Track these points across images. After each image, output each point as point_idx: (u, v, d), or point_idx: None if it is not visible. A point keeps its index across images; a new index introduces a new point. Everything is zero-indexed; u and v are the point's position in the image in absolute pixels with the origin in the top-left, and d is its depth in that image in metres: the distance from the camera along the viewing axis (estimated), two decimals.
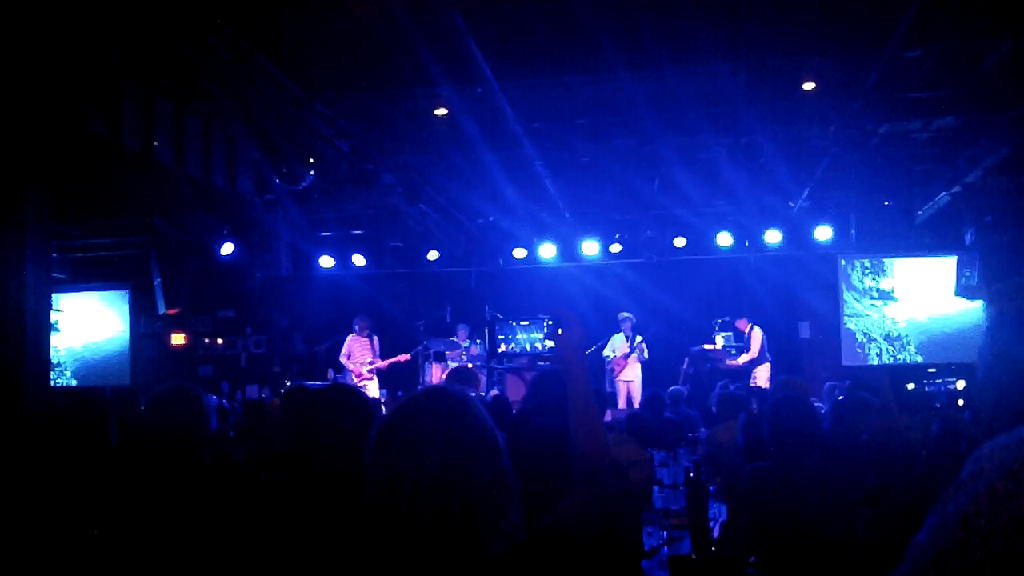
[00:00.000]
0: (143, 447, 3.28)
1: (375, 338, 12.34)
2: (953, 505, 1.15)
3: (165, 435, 3.18)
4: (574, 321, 2.13)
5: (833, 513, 3.24)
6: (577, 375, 2.07)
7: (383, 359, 12.29)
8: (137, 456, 3.64)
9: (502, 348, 11.06)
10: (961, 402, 1.77)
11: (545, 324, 2.38)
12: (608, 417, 9.19)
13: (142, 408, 3.39)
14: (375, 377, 12.17)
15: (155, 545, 2.88)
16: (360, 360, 12.15)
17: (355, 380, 11.78)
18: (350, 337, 12.33)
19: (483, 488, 1.64)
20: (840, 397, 6.66)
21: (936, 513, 1.18)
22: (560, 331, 2.12)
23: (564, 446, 2.00)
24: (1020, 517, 1.08)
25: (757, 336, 12.42)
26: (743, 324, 12.64)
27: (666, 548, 4.21)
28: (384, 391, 12.03)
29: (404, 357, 12.29)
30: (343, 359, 12.27)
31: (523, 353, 11.14)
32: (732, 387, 9.36)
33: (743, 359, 12.36)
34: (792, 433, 3.61)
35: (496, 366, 12.34)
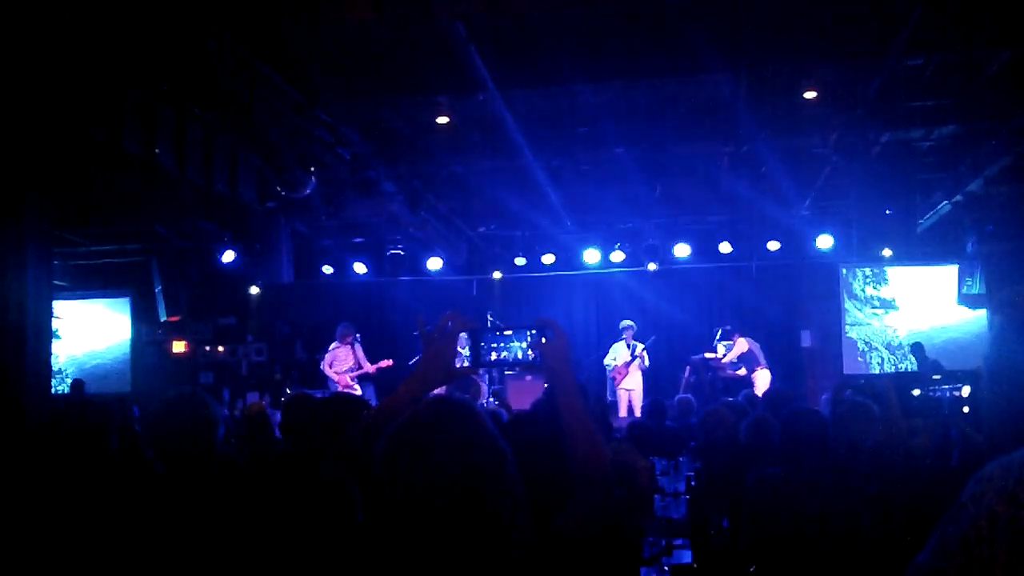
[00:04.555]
0: (149, 453, 3.26)
1: (358, 346, 12.24)
2: (954, 527, 1.13)
3: (173, 441, 3.17)
4: (559, 329, 2.12)
5: (838, 522, 3.23)
6: (565, 382, 2.05)
7: (371, 364, 12.20)
8: (141, 463, 3.64)
9: (493, 356, 11.07)
10: (966, 408, 1.77)
11: (528, 334, 2.38)
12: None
13: (137, 416, 3.37)
14: (356, 384, 12.07)
15: (161, 551, 2.87)
16: (343, 368, 12.08)
17: (339, 388, 11.72)
18: (333, 345, 12.26)
19: (492, 496, 1.64)
20: (826, 397, 6.63)
21: (937, 534, 1.17)
22: (544, 340, 2.11)
23: (560, 453, 1.99)
24: (1022, 543, 1.06)
25: (739, 345, 12.41)
26: (737, 339, 12.65)
27: (666, 557, 4.20)
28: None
29: (387, 363, 12.18)
30: (325, 368, 12.19)
31: (506, 361, 11.08)
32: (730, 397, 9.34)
33: (726, 357, 12.38)
34: (803, 443, 3.62)
35: (484, 374, 12.35)
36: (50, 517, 3.09)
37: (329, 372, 12.04)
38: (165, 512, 2.93)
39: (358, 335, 12.23)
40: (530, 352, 2.19)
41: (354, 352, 12.12)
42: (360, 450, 1.80)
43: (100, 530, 2.93)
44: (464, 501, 1.62)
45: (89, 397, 8.28)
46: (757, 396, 10.30)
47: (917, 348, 11.86)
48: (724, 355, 12.71)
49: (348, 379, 11.96)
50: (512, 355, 2.24)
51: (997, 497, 1.10)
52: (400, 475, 1.64)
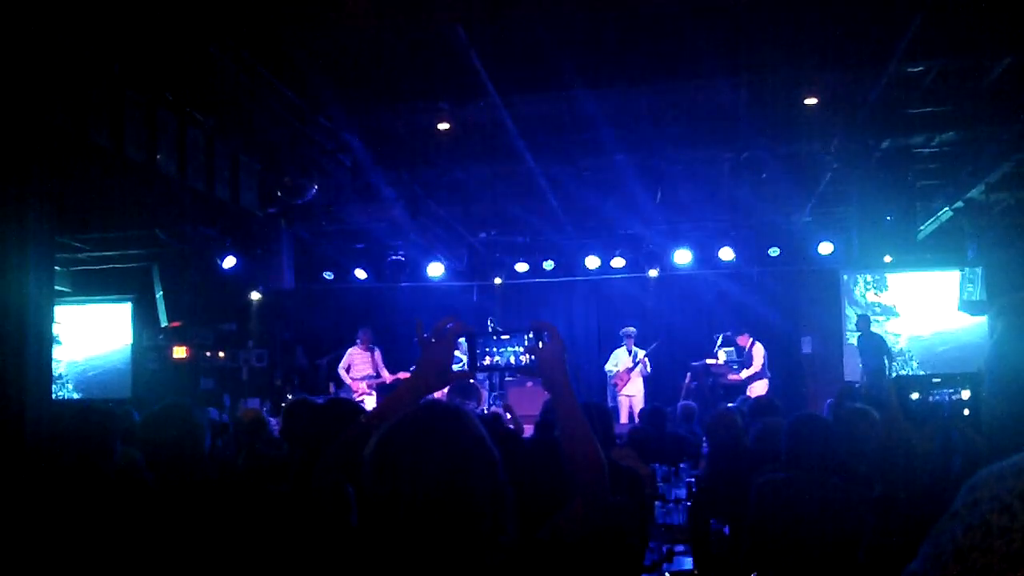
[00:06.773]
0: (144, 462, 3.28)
1: (377, 351, 12.22)
2: (948, 536, 1.13)
3: (161, 452, 3.19)
4: (555, 333, 2.12)
5: (841, 525, 3.23)
6: (560, 387, 2.05)
7: (389, 373, 12.17)
8: (134, 473, 3.64)
9: (486, 361, 11.14)
10: (967, 411, 1.77)
11: (525, 337, 2.37)
12: None
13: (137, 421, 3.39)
14: (375, 392, 12.06)
15: (153, 558, 2.87)
16: (360, 373, 12.06)
17: (354, 395, 11.70)
18: (352, 349, 12.23)
19: (479, 500, 1.65)
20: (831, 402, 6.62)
21: (930, 542, 1.17)
22: (540, 344, 2.11)
23: (558, 458, 1.99)
24: (1014, 552, 1.06)
25: (759, 351, 12.39)
26: (744, 340, 12.61)
27: (667, 563, 4.20)
28: None
29: (405, 375, 12.19)
30: (342, 371, 12.16)
31: (500, 366, 11.07)
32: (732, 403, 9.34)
33: (745, 374, 12.32)
34: (807, 447, 3.63)
35: (485, 380, 12.34)
36: (49, 523, 3.08)
37: (345, 376, 12.01)
38: (156, 521, 2.93)
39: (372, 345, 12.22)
40: (524, 357, 2.19)
41: (373, 359, 12.07)
42: (355, 453, 1.81)
43: (96, 538, 2.93)
44: (450, 504, 1.62)
45: (90, 402, 8.26)
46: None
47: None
48: (727, 361, 12.68)
49: (364, 386, 11.90)
50: (506, 359, 2.24)
51: (991, 507, 1.10)
52: (388, 477, 1.64)
